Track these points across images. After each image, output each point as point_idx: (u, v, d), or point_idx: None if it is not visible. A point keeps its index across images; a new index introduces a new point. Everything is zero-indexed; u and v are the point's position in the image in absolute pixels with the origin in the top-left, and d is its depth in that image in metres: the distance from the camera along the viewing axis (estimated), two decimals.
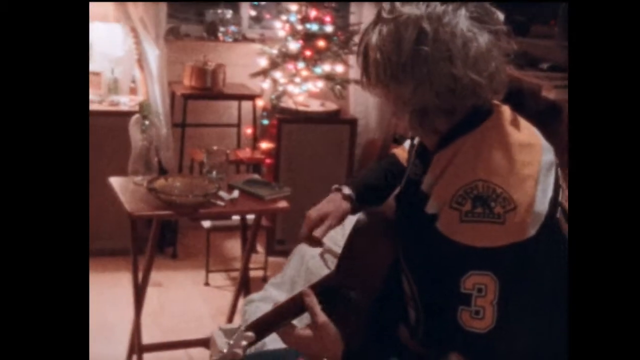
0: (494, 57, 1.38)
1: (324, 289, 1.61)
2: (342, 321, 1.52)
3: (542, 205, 1.36)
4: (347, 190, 1.76)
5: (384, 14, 1.40)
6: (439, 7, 1.36)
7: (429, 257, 1.39)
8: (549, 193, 1.38)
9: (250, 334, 1.44)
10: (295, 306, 1.58)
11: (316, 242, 1.71)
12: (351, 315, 1.53)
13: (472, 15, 1.37)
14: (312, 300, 1.50)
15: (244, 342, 1.43)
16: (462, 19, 1.36)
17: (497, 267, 1.32)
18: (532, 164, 1.39)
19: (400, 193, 1.59)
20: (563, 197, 1.43)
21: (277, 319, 1.58)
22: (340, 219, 1.72)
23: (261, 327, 1.52)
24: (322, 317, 1.47)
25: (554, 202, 1.39)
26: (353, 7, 4.60)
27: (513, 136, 1.42)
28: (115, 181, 2.94)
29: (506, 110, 1.47)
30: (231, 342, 1.44)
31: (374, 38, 1.40)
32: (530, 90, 3.63)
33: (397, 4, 1.39)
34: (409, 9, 1.37)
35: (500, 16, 1.42)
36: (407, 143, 1.79)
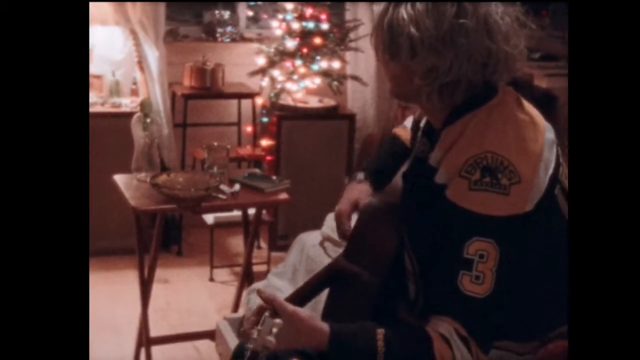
0: (520, 35, 1.48)
1: (334, 273, 1.67)
2: (354, 304, 1.57)
3: (543, 181, 1.43)
4: (361, 176, 1.83)
5: None
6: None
7: (435, 226, 1.45)
8: (550, 170, 1.45)
9: (278, 320, 1.38)
10: (321, 279, 1.63)
11: None
12: (363, 298, 1.58)
13: None
14: (271, 294, 1.45)
15: (275, 329, 1.36)
16: None
17: (499, 236, 1.39)
18: (536, 141, 1.46)
19: (408, 171, 1.64)
20: (562, 175, 1.50)
21: (306, 294, 1.64)
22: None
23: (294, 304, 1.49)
24: (289, 307, 1.42)
25: (554, 179, 1.46)
26: (348, 4, 4.67)
27: (518, 114, 1.49)
28: (119, 178, 3.01)
29: (510, 91, 1.54)
30: (260, 328, 1.37)
31: (405, 14, 1.44)
32: (524, 80, 3.69)
33: None
34: None
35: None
36: (409, 121, 1.84)
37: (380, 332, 1.41)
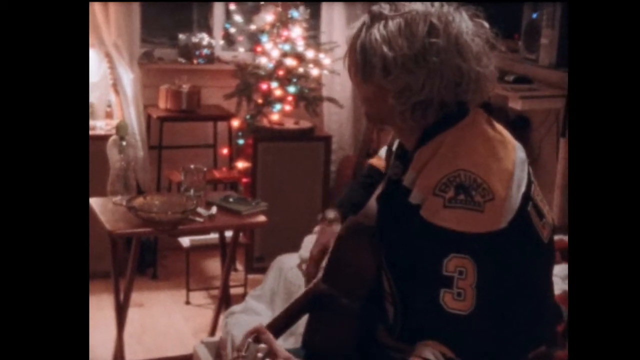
0: (491, 56, 1.50)
1: (314, 298, 1.66)
2: (336, 329, 1.56)
3: (516, 198, 1.44)
4: (331, 214, 1.82)
5: (387, 12, 1.47)
6: (445, 7, 1.48)
7: (412, 246, 1.45)
8: (523, 188, 1.47)
9: (262, 345, 1.38)
10: (301, 305, 1.63)
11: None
12: (344, 322, 1.57)
13: (471, 17, 1.50)
14: (269, 338, 1.46)
15: (260, 355, 1.36)
16: (465, 18, 1.48)
17: (475, 252, 1.39)
18: (508, 159, 1.47)
19: (382, 193, 1.65)
20: (534, 192, 1.51)
21: (286, 320, 1.63)
22: None
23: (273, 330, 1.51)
24: (283, 353, 1.43)
25: (526, 196, 1.47)
26: (324, 26, 4.70)
27: (490, 133, 1.51)
28: (94, 202, 2.98)
29: (481, 112, 1.56)
30: (244, 354, 1.37)
31: (378, 34, 1.46)
32: (498, 102, 3.74)
33: (399, 3, 1.48)
34: (415, 6, 1.47)
35: (485, 23, 1.53)
36: (383, 151, 1.86)
37: None
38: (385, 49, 1.45)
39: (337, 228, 1.78)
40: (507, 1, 3.67)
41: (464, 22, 1.48)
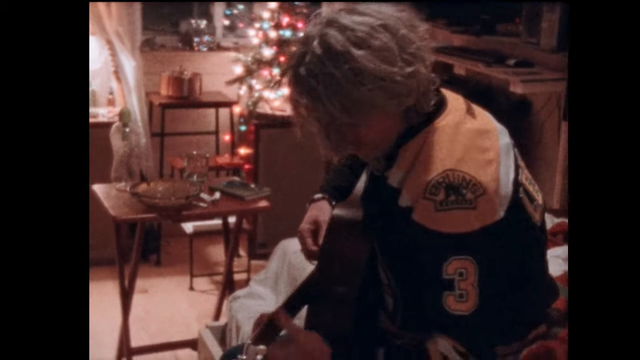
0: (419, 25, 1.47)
1: (310, 288, 1.67)
2: (334, 317, 1.57)
3: (507, 186, 1.43)
4: (318, 195, 1.81)
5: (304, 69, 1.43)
6: (333, 15, 1.48)
7: (407, 248, 1.45)
8: (511, 174, 1.45)
9: (262, 347, 1.39)
10: (298, 297, 1.66)
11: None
12: (342, 310, 1.57)
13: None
14: (284, 319, 1.48)
15: (259, 357, 1.38)
16: (379, 9, 1.45)
17: (474, 251, 1.39)
18: (492, 149, 1.45)
19: (367, 191, 1.63)
20: (522, 176, 1.50)
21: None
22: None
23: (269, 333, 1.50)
24: (297, 328, 1.47)
25: (516, 182, 1.46)
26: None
27: (470, 124, 1.47)
28: (98, 188, 3.00)
29: (459, 99, 1.53)
30: (244, 357, 1.38)
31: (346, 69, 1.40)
32: (499, 87, 3.74)
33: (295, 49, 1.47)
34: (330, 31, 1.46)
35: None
36: None
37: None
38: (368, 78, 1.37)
39: (323, 203, 1.78)
40: None
41: (385, 9, 1.44)
